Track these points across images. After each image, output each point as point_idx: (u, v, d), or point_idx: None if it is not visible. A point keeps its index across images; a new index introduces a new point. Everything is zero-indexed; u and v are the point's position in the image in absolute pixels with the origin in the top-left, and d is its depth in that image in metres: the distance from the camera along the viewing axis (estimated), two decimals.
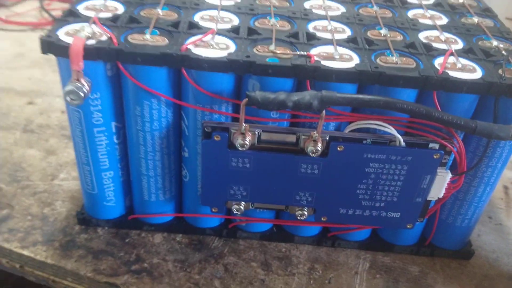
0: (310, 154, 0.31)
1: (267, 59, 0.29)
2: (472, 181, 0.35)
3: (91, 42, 0.29)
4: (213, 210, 0.35)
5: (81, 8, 0.33)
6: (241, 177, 0.33)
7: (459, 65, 0.31)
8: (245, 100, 0.29)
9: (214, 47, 0.30)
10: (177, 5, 0.35)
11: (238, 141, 0.31)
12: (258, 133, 0.31)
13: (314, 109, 0.29)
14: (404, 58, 0.31)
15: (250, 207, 0.35)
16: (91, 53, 0.29)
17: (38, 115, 0.50)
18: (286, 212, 0.35)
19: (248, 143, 0.31)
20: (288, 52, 0.31)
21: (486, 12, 0.39)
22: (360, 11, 0.37)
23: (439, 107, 0.31)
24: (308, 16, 0.35)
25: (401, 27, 0.35)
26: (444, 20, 0.37)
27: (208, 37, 0.31)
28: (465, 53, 0.33)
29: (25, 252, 0.36)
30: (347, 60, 0.30)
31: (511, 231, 0.42)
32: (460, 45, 0.34)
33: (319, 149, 0.31)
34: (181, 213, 0.38)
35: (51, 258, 0.36)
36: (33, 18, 0.66)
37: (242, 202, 0.34)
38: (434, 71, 0.30)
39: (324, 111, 0.30)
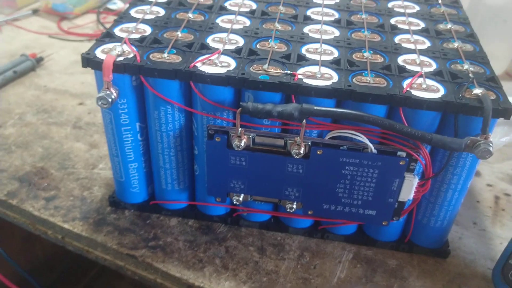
0: (294, 156, 0.37)
1: (259, 76, 0.36)
2: (441, 186, 0.40)
3: (120, 58, 0.37)
4: (217, 199, 0.42)
5: (117, 30, 0.41)
6: (238, 173, 0.39)
7: (424, 86, 0.36)
8: (240, 109, 0.36)
9: (218, 65, 0.37)
10: (194, 28, 0.42)
11: (235, 142, 0.37)
12: (252, 136, 0.38)
13: (295, 119, 0.36)
14: (377, 78, 0.37)
15: (249, 199, 0.41)
16: (119, 67, 0.36)
17: (86, 114, 0.59)
18: (281, 205, 0.41)
19: (242, 145, 0.37)
20: (278, 70, 0.37)
21: (470, 37, 0.44)
22: (352, 35, 0.43)
23: (405, 121, 0.36)
24: (304, 40, 0.41)
25: (384, 50, 0.41)
26: (426, 45, 0.42)
27: (214, 57, 0.38)
28: (434, 75, 0.38)
29: (66, 226, 0.44)
30: (327, 79, 0.36)
31: (493, 237, 0.46)
32: (433, 67, 0.39)
33: (301, 152, 0.37)
34: (193, 201, 0.45)
35: (85, 232, 0.44)
36: (90, 30, 0.76)
37: (241, 194, 0.41)
38: (399, 90, 0.35)
39: (304, 121, 0.36)
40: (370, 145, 0.37)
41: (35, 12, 0.80)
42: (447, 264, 0.43)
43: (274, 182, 0.40)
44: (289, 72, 0.36)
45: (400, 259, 0.44)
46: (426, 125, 0.36)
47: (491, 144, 0.34)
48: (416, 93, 0.35)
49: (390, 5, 0.49)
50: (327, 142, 0.37)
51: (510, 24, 0.66)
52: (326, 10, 0.47)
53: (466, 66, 0.39)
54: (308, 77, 0.36)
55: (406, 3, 0.49)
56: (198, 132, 0.40)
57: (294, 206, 0.41)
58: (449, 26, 0.45)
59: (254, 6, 0.47)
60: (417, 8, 0.49)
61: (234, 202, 0.41)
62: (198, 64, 0.37)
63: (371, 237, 0.44)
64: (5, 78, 0.62)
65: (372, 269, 0.42)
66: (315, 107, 0.35)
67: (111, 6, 0.81)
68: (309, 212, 0.41)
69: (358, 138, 0.37)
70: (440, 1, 0.50)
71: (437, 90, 0.36)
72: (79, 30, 0.76)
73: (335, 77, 0.37)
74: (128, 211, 0.46)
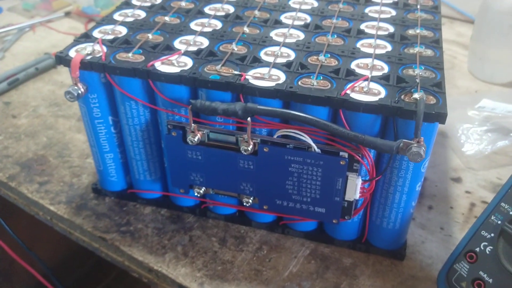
0: (243, 152, 0.39)
1: (210, 76, 0.39)
2: (388, 188, 0.40)
3: (89, 57, 0.41)
4: (181, 191, 0.45)
5: (95, 32, 0.45)
6: (196, 166, 0.42)
7: (365, 89, 0.37)
8: (190, 106, 0.39)
9: (175, 65, 0.40)
10: (166, 31, 0.45)
11: (189, 137, 0.40)
12: (207, 132, 0.40)
13: (240, 116, 0.38)
14: (323, 81, 0.38)
15: (211, 192, 0.44)
16: (86, 65, 0.40)
17: None
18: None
19: (196, 140, 0.40)
20: (230, 71, 0.39)
21: (434, 43, 0.44)
22: (316, 39, 0.44)
23: (345, 122, 0.37)
24: (265, 43, 0.43)
25: (341, 54, 0.42)
26: (386, 49, 0.43)
27: (174, 57, 0.41)
28: (381, 79, 0.38)
29: (52, 208, 0.49)
30: (274, 80, 0.38)
31: (456, 243, 0.46)
32: (383, 72, 0.40)
33: (250, 149, 0.39)
34: (166, 192, 0.49)
35: (67, 215, 0.48)
36: None
37: (202, 187, 0.44)
38: (338, 93, 0.36)
39: (249, 119, 0.38)
40: (313, 144, 0.38)
41: (67, 14, 0.86)
42: (402, 266, 0.44)
43: (229, 177, 0.42)
44: (237, 73, 0.39)
45: (356, 258, 0.45)
46: (367, 127, 0.37)
47: (423, 148, 0.35)
48: (356, 96, 0.36)
49: (367, 10, 0.50)
50: (274, 140, 0.39)
51: None
52: (300, 14, 0.49)
53: (417, 71, 0.39)
54: (256, 78, 0.39)
55: (384, 8, 0.50)
56: (162, 127, 0.43)
57: (250, 201, 0.43)
58: (417, 31, 0.46)
59: (231, 10, 0.49)
60: (393, 13, 0.49)
61: (195, 194, 0.44)
62: (157, 64, 0.40)
63: (330, 235, 0.45)
64: (27, 74, 0.68)
65: (326, 266, 0.44)
66: (258, 106, 0.37)
67: None
68: (264, 207, 0.43)
69: (301, 137, 0.38)
70: (419, 7, 0.50)
71: (378, 94, 0.37)
72: None
73: (282, 79, 0.39)
74: (108, 198, 0.50)
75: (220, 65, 0.40)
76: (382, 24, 0.47)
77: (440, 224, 0.48)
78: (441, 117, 0.35)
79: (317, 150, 0.38)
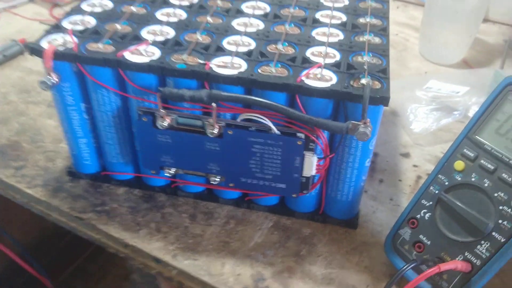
0: (209, 135, 0.43)
1: (177, 65, 0.42)
2: (341, 164, 0.45)
3: (61, 48, 0.43)
4: (152, 172, 0.48)
5: (65, 23, 0.47)
6: (166, 149, 0.46)
7: (319, 76, 0.41)
8: (159, 93, 0.42)
9: (144, 55, 0.43)
10: (134, 21, 0.48)
11: (158, 122, 0.43)
12: (175, 118, 0.44)
13: (206, 102, 0.41)
14: (281, 69, 0.42)
15: (180, 172, 0.48)
16: (58, 56, 0.43)
17: None
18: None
19: (166, 124, 0.43)
20: (195, 60, 0.43)
21: (382, 31, 0.48)
22: (275, 28, 0.48)
23: (301, 106, 0.41)
24: (228, 32, 0.47)
25: (298, 43, 0.46)
26: (339, 38, 0.47)
27: (142, 47, 0.44)
28: (333, 66, 0.43)
29: (29, 191, 0.52)
30: (236, 68, 0.42)
31: None
32: (335, 59, 0.44)
33: (215, 132, 0.43)
34: (138, 173, 0.52)
35: (44, 197, 0.51)
36: None
37: (172, 168, 0.47)
38: (294, 80, 0.40)
39: (214, 104, 0.41)
40: (273, 127, 0.42)
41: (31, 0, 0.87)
42: (355, 234, 0.49)
43: (197, 158, 0.46)
44: (202, 62, 0.42)
45: (314, 228, 0.49)
46: (321, 111, 0.41)
47: (369, 128, 0.39)
48: (310, 82, 0.40)
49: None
50: (237, 123, 0.43)
51: (460, 20, 0.69)
52: (260, 4, 0.52)
53: (365, 58, 0.44)
54: (220, 66, 0.42)
55: None
56: (132, 113, 0.46)
57: (217, 179, 0.47)
58: (367, 20, 0.50)
59: (195, 0, 0.52)
60: (346, 2, 0.53)
61: (166, 175, 0.47)
62: (127, 54, 0.43)
63: (290, 209, 0.50)
64: None
65: (287, 236, 0.48)
66: (222, 93, 0.41)
67: None
68: (230, 185, 0.47)
69: (262, 121, 0.42)
70: None
71: (330, 80, 0.41)
72: None
73: (244, 67, 0.42)
74: (83, 181, 0.53)
75: (185, 54, 0.43)
76: (335, 13, 0.51)
77: (390, 196, 0.53)
78: (385, 101, 0.39)
79: (276, 132, 0.42)
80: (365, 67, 0.42)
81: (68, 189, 0.52)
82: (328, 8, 0.52)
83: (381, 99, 0.39)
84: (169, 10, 0.50)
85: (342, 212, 0.49)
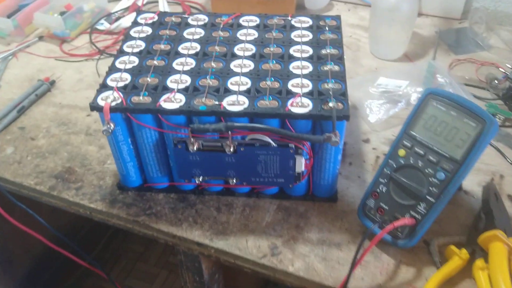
0: (227, 152, 0.61)
1: (199, 107, 0.59)
2: (321, 161, 0.64)
3: (113, 104, 0.60)
4: (185, 181, 0.66)
5: (108, 80, 0.64)
6: (196, 165, 0.64)
7: (300, 104, 0.59)
8: (189, 128, 0.60)
9: (174, 101, 0.60)
10: (158, 73, 0.65)
11: (190, 147, 0.61)
12: (201, 142, 0.62)
13: (224, 132, 0.59)
14: (273, 101, 0.60)
15: (206, 178, 0.66)
16: (114, 110, 0.60)
17: (93, 123, 0.82)
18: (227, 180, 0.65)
19: (195, 149, 0.61)
20: (212, 101, 0.60)
21: (339, 60, 0.66)
22: (262, 66, 0.66)
23: (290, 125, 0.60)
24: (229, 75, 0.64)
25: (280, 78, 0.63)
26: (309, 69, 0.65)
27: (172, 95, 0.61)
28: (309, 94, 0.61)
29: (92, 205, 0.69)
30: (241, 104, 0.60)
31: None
32: (309, 88, 0.62)
33: (231, 150, 0.61)
34: (173, 182, 0.70)
35: (105, 208, 0.69)
36: (86, 50, 0.98)
37: (200, 176, 0.65)
38: (283, 109, 0.58)
39: (230, 132, 0.59)
40: (272, 142, 0.60)
41: (40, 38, 1.01)
42: (336, 206, 0.68)
43: (219, 168, 0.64)
44: (217, 103, 0.60)
45: (307, 205, 0.68)
46: (304, 127, 0.60)
47: (338, 137, 0.58)
48: (294, 109, 0.59)
49: (293, 35, 0.71)
50: (246, 142, 0.61)
51: (398, 21, 0.88)
52: (247, 45, 0.69)
53: (330, 85, 0.62)
54: (230, 104, 0.60)
55: (303, 32, 0.71)
56: (168, 141, 0.64)
57: (234, 181, 0.65)
58: (328, 50, 0.68)
59: (198, 47, 0.69)
60: (310, 36, 0.71)
61: (196, 182, 0.65)
62: (162, 103, 0.60)
63: (288, 194, 0.69)
64: (30, 100, 0.85)
65: (288, 214, 0.67)
66: (236, 124, 0.59)
67: (99, 26, 1.02)
68: (243, 183, 0.65)
69: (264, 139, 0.60)
70: (327, 28, 0.72)
71: (307, 106, 0.59)
72: (77, 51, 0.98)
73: (247, 103, 0.60)
74: (131, 192, 0.70)
75: (204, 98, 0.60)
76: (304, 47, 0.68)
77: (358, 174, 0.72)
78: (346, 118, 0.58)
79: (274, 145, 0.61)
80: (330, 92, 0.61)
81: (121, 200, 0.69)
82: (298, 43, 0.69)
83: (344, 117, 0.58)
84: (182, 60, 0.67)
85: (325, 192, 0.68)
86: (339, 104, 0.59)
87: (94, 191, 0.71)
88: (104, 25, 1.02)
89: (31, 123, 0.82)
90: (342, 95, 0.61)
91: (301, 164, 0.62)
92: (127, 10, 1.08)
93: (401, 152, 0.61)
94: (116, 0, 1.11)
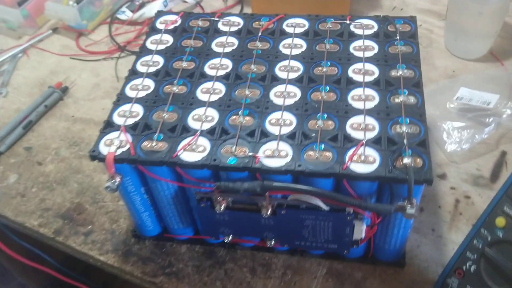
0: (264, 215, 0.47)
1: (228, 161, 0.45)
2: (388, 225, 0.48)
3: (119, 152, 0.46)
4: (212, 238, 0.53)
5: (115, 116, 0.50)
6: (224, 223, 0.50)
7: (362, 158, 0.44)
8: (215, 187, 0.45)
9: (195, 150, 0.46)
10: (178, 105, 0.50)
11: (216, 207, 0.47)
12: (230, 200, 0.47)
13: (259, 193, 0.45)
14: (325, 153, 0.45)
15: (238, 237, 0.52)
16: (119, 161, 0.46)
17: None
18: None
19: (222, 208, 0.47)
20: (245, 150, 0.45)
21: (415, 87, 0.50)
22: (312, 96, 0.50)
23: (348, 186, 0.44)
24: (268, 110, 0.49)
25: (336, 115, 0.48)
26: (375, 101, 0.48)
27: (193, 141, 0.47)
28: (374, 143, 0.45)
29: (102, 258, 0.57)
30: (283, 157, 0.45)
31: (447, 243, 0.55)
32: (375, 132, 0.46)
33: (269, 213, 0.47)
34: (197, 233, 0.57)
35: (117, 263, 0.57)
36: (105, 45, 0.84)
37: (230, 235, 0.52)
38: (340, 167, 0.43)
39: (267, 193, 0.45)
40: (322, 205, 0.46)
41: (55, 30, 0.88)
42: (404, 273, 0.53)
43: (253, 229, 0.50)
44: (251, 154, 0.45)
45: (365, 270, 0.54)
46: (367, 188, 0.45)
47: (415, 208, 0.42)
48: (355, 167, 0.43)
49: (352, 47, 0.54)
50: (289, 203, 0.47)
51: (487, 7, 0.69)
52: (292, 63, 0.53)
53: (404, 128, 0.46)
54: (267, 156, 0.45)
55: (366, 42, 0.55)
56: (190, 194, 0.50)
57: (273, 242, 0.51)
58: (399, 72, 0.51)
59: (230, 65, 0.54)
60: (375, 48, 0.54)
61: (225, 241, 0.52)
62: (180, 153, 0.46)
63: (342, 254, 0.54)
64: (39, 113, 0.73)
65: (341, 282, 0.53)
66: (274, 184, 0.44)
67: (120, 16, 0.88)
68: (285, 245, 0.51)
69: (312, 200, 0.46)
70: (398, 36, 0.55)
71: (373, 161, 0.44)
72: (95, 47, 0.84)
73: (290, 154, 0.45)
74: (148, 241, 0.58)
75: (234, 146, 0.46)
76: (368, 66, 0.52)
77: (431, 225, 0.57)
78: (428, 182, 0.42)
79: (326, 208, 0.46)
80: (405, 141, 0.45)
81: (137, 252, 0.57)
82: (359, 60, 0.53)
83: (425, 181, 0.42)
84: (208, 85, 0.52)
85: (390, 255, 0.53)
86: (417, 160, 0.43)
87: (105, 239, 0.59)
88: (125, 13, 0.88)
89: (39, 142, 0.71)
90: (421, 145, 0.45)
91: (360, 231, 0.47)
92: None
93: (500, 221, 0.45)
94: None
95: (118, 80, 0.78)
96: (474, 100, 0.65)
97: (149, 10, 0.86)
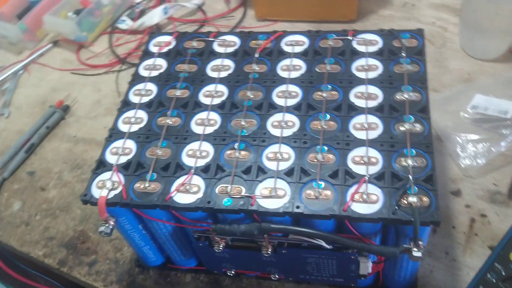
0: (264, 254, 0.45)
1: (223, 202, 0.43)
2: (395, 260, 0.46)
3: (111, 195, 0.45)
4: (215, 272, 0.51)
5: (108, 154, 0.48)
6: (225, 260, 0.48)
7: (364, 196, 0.41)
8: (211, 229, 0.44)
9: (190, 191, 0.44)
10: (172, 140, 0.48)
11: (215, 247, 0.46)
12: (229, 239, 0.46)
13: (257, 236, 0.43)
14: (325, 191, 0.42)
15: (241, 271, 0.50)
16: (112, 205, 0.44)
17: None
18: None
19: (221, 248, 0.46)
20: (240, 190, 0.43)
21: (422, 113, 0.46)
22: (311, 125, 0.47)
23: (351, 226, 0.42)
24: (265, 142, 0.46)
25: (336, 147, 0.45)
26: (378, 131, 0.45)
27: (187, 180, 0.45)
28: (377, 179, 0.42)
29: None
30: (280, 197, 0.42)
31: (462, 267, 0.53)
32: (378, 166, 0.43)
33: (270, 252, 0.45)
34: (201, 266, 0.55)
35: None
36: (106, 58, 0.82)
37: (233, 269, 0.50)
38: (340, 209, 0.41)
39: (266, 235, 0.43)
40: (325, 245, 0.43)
41: (55, 43, 0.86)
42: None
43: (255, 264, 0.48)
44: (247, 195, 0.43)
45: None
46: (371, 227, 0.42)
47: (422, 251, 0.40)
48: (356, 207, 0.41)
49: (354, 67, 0.51)
50: (289, 241, 0.45)
51: (502, 16, 0.64)
52: (290, 87, 0.50)
53: (409, 161, 0.43)
54: (265, 197, 0.43)
55: (370, 62, 0.51)
56: (188, 230, 0.48)
57: (277, 276, 0.49)
58: (405, 95, 0.48)
59: (225, 92, 0.51)
60: (380, 68, 0.50)
61: (229, 274, 0.50)
62: (173, 194, 0.44)
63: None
64: (40, 135, 0.72)
65: None
66: (272, 225, 0.42)
67: (120, 25, 0.86)
68: (289, 278, 0.50)
69: (315, 241, 0.43)
70: (403, 54, 0.51)
71: (376, 201, 0.41)
72: (96, 59, 0.82)
73: (288, 193, 0.43)
74: (152, 271, 0.57)
75: (229, 185, 0.44)
76: (371, 89, 0.49)
77: (445, 248, 0.54)
78: (434, 223, 0.39)
79: (328, 247, 0.44)
80: (410, 176, 0.42)
81: (141, 283, 0.56)
82: (362, 82, 0.50)
83: (432, 222, 0.39)
84: (203, 115, 0.50)
85: (400, 285, 0.51)
86: (424, 198, 0.41)
87: (109, 269, 0.58)
88: (126, 22, 0.85)
89: (42, 166, 0.70)
90: (427, 181, 0.42)
91: (366, 268, 0.45)
92: None
93: None
94: None
95: (119, 95, 0.76)
96: (491, 110, 0.61)
97: (150, 18, 0.83)
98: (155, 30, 0.83)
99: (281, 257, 0.46)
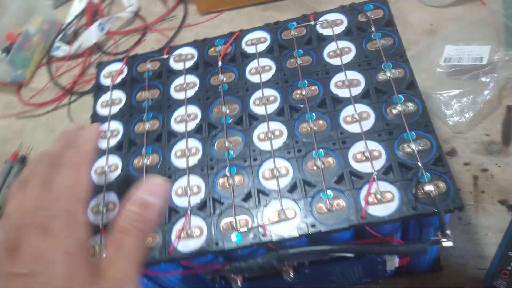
0: (286, 279, 0.42)
1: (232, 238, 0.39)
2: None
3: None
4: None
5: (90, 214, 0.44)
6: None
7: (378, 197, 0.38)
8: (226, 271, 0.40)
9: (193, 236, 0.40)
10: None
11: (233, 284, 0.42)
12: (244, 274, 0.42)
13: (276, 266, 0.40)
14: (336, 201, 0.39)
15: None
16: None
17: None
18: None
19: (239, 283, 0.42)
20: (247, 221, 0.40)
21: (411, 90, 0.43)
22: (299, 130, 0.43)
23: (371, 231, 0.39)
24: (257, 161, 0.43)
25: (333, 147, 0.42)
26: (371, 119, 0.42)
27: (186, 224, 0.41)
28: (385, 174, 0.39)
29: None
30: (291, 218, 0.39)
31: (478, 229, 0.51)
32: (382, 159, 0.40)
33: (292, 275, 0.42)
34: None
35: None
36: (50, 92, 0.75)
37: None
38: (358, 216, 0.38)
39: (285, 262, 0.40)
40: (348, 254, 0.41)
41: None
42: (442, 277, 0.50)
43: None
44: (255, 225, 0.39)
45: (402, 284, 0.50)
46: (391, 225, 0.40)
47: (451, 239, 0.38)
48: (373, 210, 0.38)
49: (326, 54, 0.48)
50: (310, 259, 0.42)
51: None
52: (266, 91, 0.46)
53: (413, 146, 0.40)
54: (274, 222, 0.39)
55: (340, 44, 0.48)
56: (202, 274, 0.45)
57: None
58: (387, 74, 0.44)
59: (198, 115, 0.47)
60: (353, 50, 0.47)
61: None
62: (176, 243, 0.40)
63: None
64: (3, 196, 0.66)
65: None
66: (290, 251, 0.39)
67: (56, 53, 0.79)
68: None
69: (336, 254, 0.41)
70: (373, 28, 0.48)
71: (392, 199, 0.38)
72: (40, 97, 0.75)
73: (298, 212, 0.39)
74: None
75: (233, 220, 0.40)
76: (350, 74, 0.45)
77: (456, 214, 0.53)
78: (458, 208, 0.37)
79: (352, 255, 0.41)
80: (419, 163, 0.39)
81: None
82: (339, 69, 0.46)
83: (456, 208, 0.37)
84: (181, 145, 0.45)
85: (424, 266, 0.49)
86: (440, 184, 0.38)
87: None
88: (61, 48, 0.78)
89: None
90: (437, 163, 0.39)
91: (393, 263, 0.43)
92: (82, 15, 0.82)
93: None
94: (63, 4, 0.85)
95: None
96: (465, 59, 0.59)
97: (86, 39, 0.77)
98: (96, 53, 0.77)
99: (304, 276, 0.43)
